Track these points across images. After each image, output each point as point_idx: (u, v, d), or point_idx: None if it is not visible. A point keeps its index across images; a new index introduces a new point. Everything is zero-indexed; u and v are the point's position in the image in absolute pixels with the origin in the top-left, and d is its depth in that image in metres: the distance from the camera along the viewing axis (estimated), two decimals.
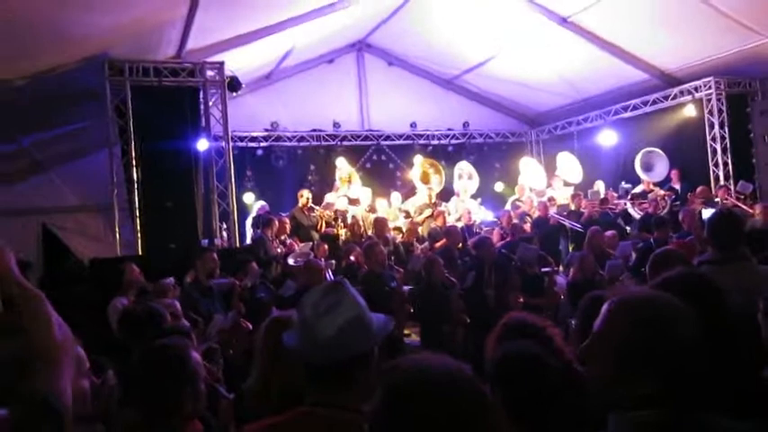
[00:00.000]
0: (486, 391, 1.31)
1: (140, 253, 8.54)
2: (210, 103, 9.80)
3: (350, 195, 11.86)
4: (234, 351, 5.12)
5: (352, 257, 8.28)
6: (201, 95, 9.60)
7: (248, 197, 12.28)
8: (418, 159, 13.56)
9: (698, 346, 1.43)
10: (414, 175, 13.02)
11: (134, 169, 8.84)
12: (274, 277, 8.36)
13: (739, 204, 10.06)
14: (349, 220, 10.98)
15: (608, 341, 1.49)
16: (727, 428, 1.45)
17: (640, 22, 10.47)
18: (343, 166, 12.55)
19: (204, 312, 5.78)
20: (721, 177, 11.46)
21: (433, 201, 12.17)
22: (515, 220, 10.64)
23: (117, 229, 8.81)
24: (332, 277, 8.21)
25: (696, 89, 11.80)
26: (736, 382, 1.69)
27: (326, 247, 9.44)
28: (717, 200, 10.38)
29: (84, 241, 9.85)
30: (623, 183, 12.55)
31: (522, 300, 7.16)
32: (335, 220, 10.91)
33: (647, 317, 1.46)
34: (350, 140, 14.01)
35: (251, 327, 5.46)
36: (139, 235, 8.76)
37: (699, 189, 10.88)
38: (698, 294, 1.85)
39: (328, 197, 11.51)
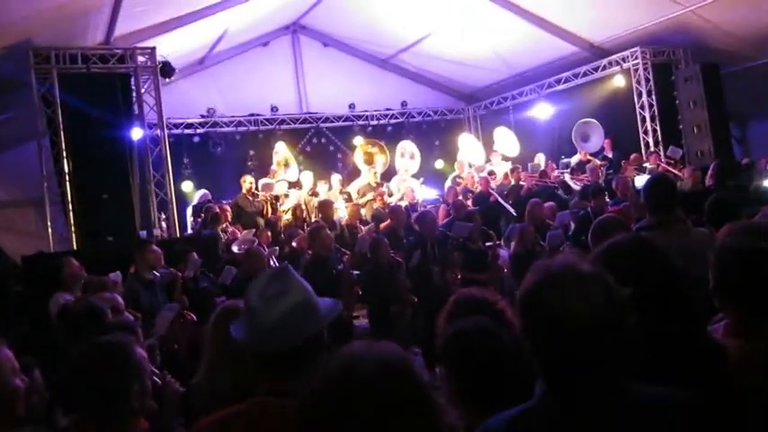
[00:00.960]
0: (425, 386, 1.27)
1: (75, 247, 8.20)
2: (143, 90, 9.48)
3: (288, 179, 11.65)
4: (179, 344, 4.97)
5: (294, 243, 8.15)
6: (133, 82, 9.26)
7: (187, 185, 11.95)
8: (359, 141, 13.47)
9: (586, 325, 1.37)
10: (356, 158, 12.92)
11: (65, 161, 8.47)
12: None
13: (670, 169, 10.39)
14: (290, 204, 10.81)
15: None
16: (649, 396, 1.44)
17: None
18: (279, 149, 12.33)
19: (146, 306, 5.61)
20: (651, 144, 11.79)
21: (377, 181, 12.07)
22: (460, 197, 10.70)
23: (49, 224, 8.44)
24: (276, 264, 8.09)
25: (624, 59, 12.06)
26: (684, 342, 1.70)
27: (270, 233, 9.27)
28: (647, 165, 10.70)
29: (15, 237, 9.41)
30: (563, 157, 12.78)
31: (460, 276, 7.22)
32: (276, 201, 10.71)
33: (530, 291, 1.44)
34: (288, 124, 13.80)
35: (195, 318, 5.33)
36: (73, 229, 8.41)
37: (632, 156, 11.17)
38: (642, 257, 1.85)
39: (263, 181, 11.15)
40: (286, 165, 11.84)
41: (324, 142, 14.27)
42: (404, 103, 15.05)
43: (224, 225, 9.29)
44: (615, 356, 1.39)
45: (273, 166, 11.80)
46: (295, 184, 11.72)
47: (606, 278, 1.43)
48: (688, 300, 1.77)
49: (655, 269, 1.79)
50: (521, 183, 11.26)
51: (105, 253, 7.43)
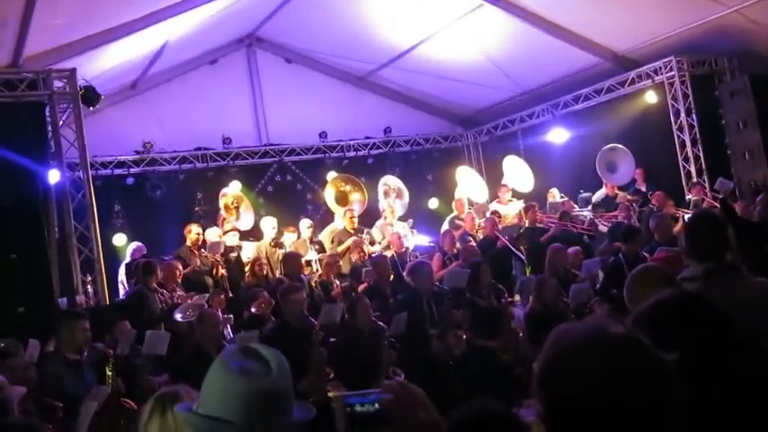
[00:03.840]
0: None
1: None
2: (61, 123, 9.49)
3: (240, 227, 11.54)
4: None
5: (253, 308, 8.06)
6: (48, 113, 9.30)
7: (119, 239, 11.91)
8: (331, 176, 13.51)
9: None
10: (327, 198, 12.93)
11: None
12: None
13: (717, 205, 10.45)
14: (246, 259, 10.71)
15: None
16: None
17: None
18: (229, 190, 12.28)
19: (73, 393, 5.52)
20: (693, 173, 11.90)
21: (354, 227, 12.02)
22: (459, 243, 10.71)
23: None
24: (231, 334, 8.01)
25: (656, 72, 12.28)
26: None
27: (223, 296, 9.18)
28: (691, 198, 10.77)
29: None
30: (581, 191, 12.86)
31: (465, 337, 7.19)
32: (227, 262, 10.57)
33: (547, 363, 1.44)
34: (245, 159, 13.88)
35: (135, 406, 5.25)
36: None
37: (656, 193, 11.21)
38: (693, 318, 1.85)
39: (210, 241, 10.74)
40: (237, 209, 11.75)
41: (289, 180, 14.35)
42: (387, 130, 15.20)
43: (172, 287, 9.11)
44: None
45: (222, 212, 11.73)
46: (252, 233, 11.64)
47: (643, 343, 1.43)
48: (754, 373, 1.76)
49: (709, 333, 1.79)
50: (538, 225, 11.29)
51: (15, 327, 7.32)
